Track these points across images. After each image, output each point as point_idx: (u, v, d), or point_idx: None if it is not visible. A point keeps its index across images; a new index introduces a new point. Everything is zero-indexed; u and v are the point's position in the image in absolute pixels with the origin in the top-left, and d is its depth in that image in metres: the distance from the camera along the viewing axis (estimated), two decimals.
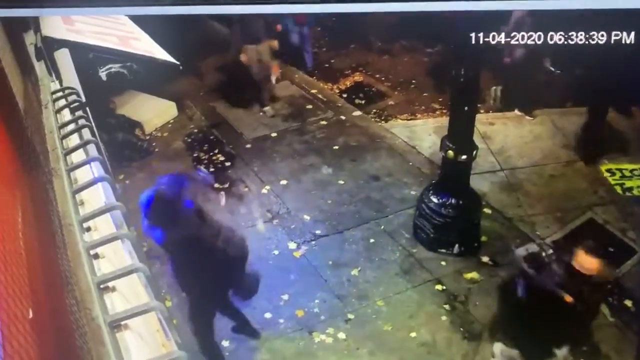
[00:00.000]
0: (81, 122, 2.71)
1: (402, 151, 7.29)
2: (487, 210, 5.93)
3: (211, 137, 7.90)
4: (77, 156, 2.55)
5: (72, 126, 2.76)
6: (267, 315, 4.97)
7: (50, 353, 1.42)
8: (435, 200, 5.47)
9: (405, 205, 6.21)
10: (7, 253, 1.42)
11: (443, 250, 5.55)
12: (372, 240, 5.75)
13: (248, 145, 7.58)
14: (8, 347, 1.17)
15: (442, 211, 5.42)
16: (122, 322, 1.70)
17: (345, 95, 8.91)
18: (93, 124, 2.61)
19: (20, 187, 1.88)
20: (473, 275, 5.34)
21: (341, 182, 6.68)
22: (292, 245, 5.73)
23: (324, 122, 8.12)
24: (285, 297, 5.12)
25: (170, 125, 8.36)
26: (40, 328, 1.41)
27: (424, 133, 7.60)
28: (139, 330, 1.80)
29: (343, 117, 8.25)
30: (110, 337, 1.56)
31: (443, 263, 5.47)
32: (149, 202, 3.72)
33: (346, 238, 5.81)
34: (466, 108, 4.96)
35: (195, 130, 8.13)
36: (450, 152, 5.18)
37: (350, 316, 4.94)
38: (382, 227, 5.93)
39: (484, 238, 5.68)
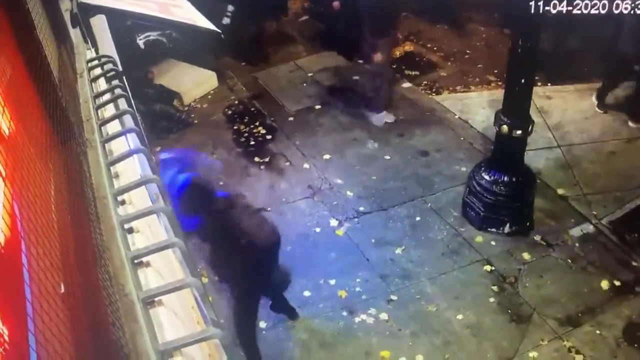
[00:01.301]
0: (117, 91, 2.71)
1: (454, 125, 7.14)
2: (541, 188, 5.76)
3: (252, 109, 7.93)
4: (113, 127, 2.55)
5: (107, 96, 2.77)
6: (306, 293, 5.01)
7: (82, 329, 1.44)
8: (487, 177, 5.34)
9: (454, 182, 6.13)
10: (40, 226, 1.43)
11: (493, 230, 5.45)
12: (418, 218, 5.70)
13: (290, 118, 7.58)
14: (39, 322, 1.19)
15: (494, 189, 5.29)
16: (156, 299, 1.69)
17: (394, 66, 8.74)
18: (129, 94, 2.60)
19: (54, 158, 1.91)
20: (524, 255, 5.22)
21: (387, 157, 6.64)
22: (334, 223, 5.73)
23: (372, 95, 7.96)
24: (326, 275, 5.16)
25: (210, 97, 8.43)
26: (71, 303, 1.43)
27: (477, 106, 7.41)
28: (174, 306, 1.81)
29: (406, 85, 8.08)
30: (144, 313, 1.54)
31: (493, 243, 5.38)
32: (183, 188, 3.79)
33: (391, 216, 5.78)
34: (523, 80, 4.77)
35: (236, 102, 8.17)
36: (505, 127, 5.01)
37: (393, 297, 4.93)
38: (429, 204, 5.87)
39: (536, 217, 5.54)
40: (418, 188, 6.11)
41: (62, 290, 1.40)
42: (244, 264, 4.08)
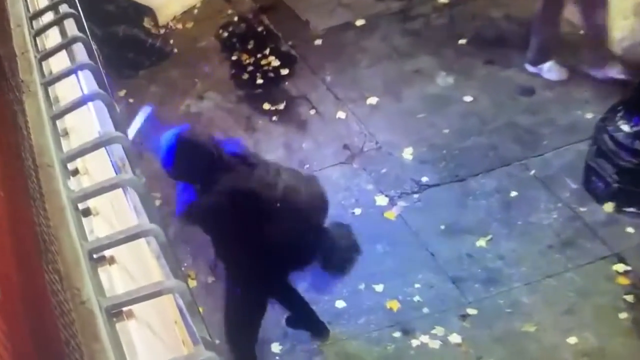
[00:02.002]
0: (63, 8, 2.80)
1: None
2: None
3: (259, 29, 7.99)
4: (59, 62, 2.65)
5: (49, 16, 2.85)
6: (340, 304, 5.13)
7: (24, 348, 1.54)
8: (626, 128, 5.28)
9: (573, 137, 6.13)
10: None
11: (631, 210, 5.46)
12: (513, 193, 5.76)
13: (318, 41, 7.65)
14: None
15: (637, 146, 5.24)
16: (125, 309, 1.76)
17: None
18: (81, 11, 2.70)
19: None
20: None
21: (468, 98, 6.67)
22: (382, 201, 5.83)
23: (444, 0, 7.92)
24: (369, 278, 5.25)
25: (196, 12, 8.49)
26: (9, 314, 1.52)
27: (615, 14, 7.21)
28: (149, 320, 1.90)
29: None
30: (108, 328, 1.62)
31: (630, 230, 5.40)
32: (171, 151, 3.86)
33: (471, 189, 5.86)
34: None
35: (235, 19, 8.24)
36: None
37: (471, 310, 5.01)
38: (533, 171, 5.91)
39: None
40: (515, 146, 6.14)
41: None
42: (254, 260, 4.19)
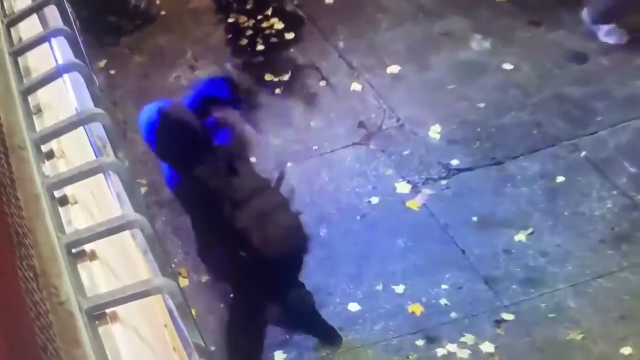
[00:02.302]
0: None
1: None
2: None
3: None
4: (29, 28, 2.71)
5: None
6: (354, 307, 5.18)
7: None
8: None
9: (632, 112, 6.17)
10: None
11: None
12: (560, 179, 5.80)
13: (329, 0, 7.67)
14: None
15: None
16: (109, 311, 1.82)
17: None
18: None
19: None
20: None
21: (508, 66, 6.70)
22: (404, 188, 5.87)
23: None
24: (388, 278, 5.30)
25: None
26: None
27: None
28: (136, 323, 1.96)
29: None
30: (90, 333, 1.67)
31: None
32: (153, 124, 3.93)
33: (510, 174, 5.89)
34: None
35: None
36: None
37: (507, 315, 5.04)
38: (584, 153, 5.95)
39: None
40: (564, 124, 6.17)
41: None
42: (253, 255, 4.25)
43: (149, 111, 3.98)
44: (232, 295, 4.75)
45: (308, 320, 5.03)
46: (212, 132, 4.20)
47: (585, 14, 6.76)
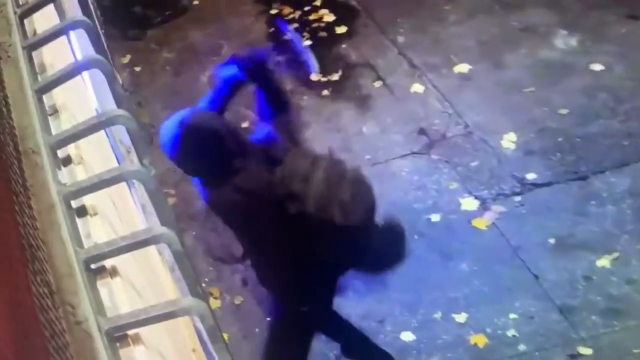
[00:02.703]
0: None
1: None
2: None
3: None
4: (45, 20, 2.78)
5: None
6: (407, 336, 5.20)
7: None
8: None
9: None
10: None
11: None
12: None
13: None
14: None
15: None
16: (131, 332, 1.87)
17: None
18: None
19: None
20: None
21: (597, 67, 6.70)
22: (469, 204, 5.90)
23: None
24: (448, 305, 5.33)
25: None
26: None
27: None
28: (161, 346, 2.02)
29: None
30: (110, 355, 1.71)
31: None
32: (177, 138, 3.94)
33: (595, 191, 5.88)
34: None
35: None
36: None
37: (584, 350, 5.02)
38: None
39: None
40: None
41: None
42: (298, 273, 4.28)
43: (169, 127, 3.97)
44: (273, 317, 4.76)
45: (356, 347, 5.08)
46: (241, 134, 4.20)
47: None
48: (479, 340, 5.13)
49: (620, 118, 6.30)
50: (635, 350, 4.99)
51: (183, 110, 4.02)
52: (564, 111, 6.40)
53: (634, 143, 6.11)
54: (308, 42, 7.33)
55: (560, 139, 6.22)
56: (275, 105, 4.32)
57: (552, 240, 5.60)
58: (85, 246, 1.97)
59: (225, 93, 4.35)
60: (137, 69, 7.33)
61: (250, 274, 5.46)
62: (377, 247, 4.45)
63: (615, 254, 5.47)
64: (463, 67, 6.85)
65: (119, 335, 1.82)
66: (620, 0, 7.13)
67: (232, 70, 4.29)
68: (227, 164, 3.99)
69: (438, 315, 5.27)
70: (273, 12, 7.70)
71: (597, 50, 6.78)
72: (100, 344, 1.73)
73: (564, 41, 6.93)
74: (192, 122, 3.94)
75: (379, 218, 4.39)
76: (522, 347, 5.09)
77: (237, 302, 5.49)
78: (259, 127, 4.36)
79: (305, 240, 4.13)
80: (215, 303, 5.41)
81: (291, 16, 7.59)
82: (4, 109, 2.29)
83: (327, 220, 4.06)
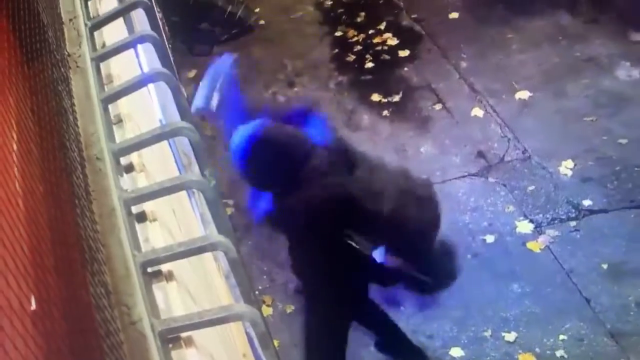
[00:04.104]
0: None
1: None
2: None
3: None
4: (114, 33, 2.82)
5: None
6: (456, 352, 5.18)
7: None
8: None
9: None
10: None
11: None
12: None
13: (453, 14, 7.75)
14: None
15: None
16: (184, 335, 1.88)
17: None
18: None
19: (16, 88, 2.05)
20: None
21: None
22: (524, 227, 5.86)
23: None
24: (499, 324, 5.30)
25: None
26: (47, 327, 1.59)
27: None
28: (213, 351, 2.03)
29: None
30: (162, 356, 1.74)
31: None
32: (249, 149, 3.92)
33: None
34: None
35: None
36: None
37: None
38: None
39: None
40: None
41: (33, 307, 1.60)
42: (349, 283, 4.28)
43: (239, 137, 3.95)
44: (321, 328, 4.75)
45: (393, 337, 5.10)
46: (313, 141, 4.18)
47: None
48: (528, 359, 5.10)
49: None
50: None
51: (253, 123, 3.98)
52: (624, 141, 6.34)
53: None
54: (370, 64, 7.37)
55: (618, 168, 6.17)
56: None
57: (605, 266, 5.54)
58: (143, 250, 2.00)
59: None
60: None
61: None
62: (431, 264, 4.41)
63: None
64: (524, 94, 6.83)
65: (171, 337, 1.84)
66: None
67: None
68: (297, 175, 3.97)
69: (488, 333, 5.26)
70: (338, 34, 7.75)
71: None
72: (153, 345, 1.75)
73: (627, 72, 6.87)
74: (263, 135, 3.91)
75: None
76: None
77: (288, 310, 5.53)
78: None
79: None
80: (267, 310, 5.46)
81: (355, 39, 7.63)
82: (71, 117, 2.31)
83: (403, 223, 4.06)
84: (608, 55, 7.05)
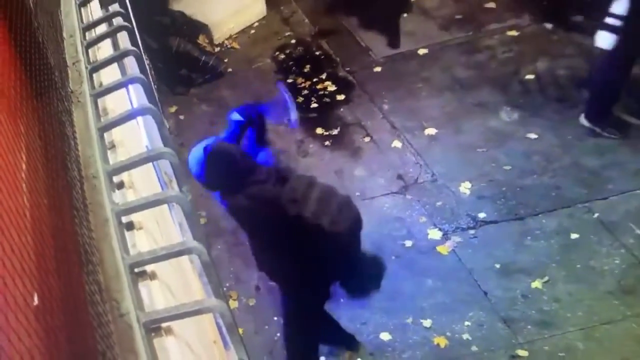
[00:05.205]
0: (117, 21, 2.88)
1: None
2: None
3: (317, 53, 8.11)
4: (109, 74, 2.73)
5: (103, 27, 2.93)
6: (385, 336, 5.14)
7: (60, 356, 1.53)
8: None
9: None
10: (6, 212, 1.54)
11: None
12: (574, 236, 5.71)
13: (377, 69, 7.76)
14: (4, 343, 1.27)
15: None
16: (164, 325, 1.82)
17: None
18: (134, 25, 2.77)
19: (26, 118, 2.04)
20: None
21: (533, 135, 6.68)
22: (435, 235, 5.85)
23: (513, 33, 8.00)
24: (417, 313, 5.28)
25: (253, 32, 8.66)
26: (48, 320, 1.53)
27: None
28: (188, 338, 1.94)
29: (548, 26, 8.05)
30: (146, 343, 1.67)
31: None
32: (202, 160, 3.89)
33: (529, 229, 5.83)
34: None
35: (293, 42, 8.37)
36: None
37: (522, 352, 4.97)
38: (596, 214, 5.86)
39: None
40: (580, 188, 6.10)
41: (36, 302, 1.52)
42: (298, 267, 4.20)
43: (195, 152, 3.94)
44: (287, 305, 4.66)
45: (343, 343, 5.02)
46: (252, 155, 4.19)
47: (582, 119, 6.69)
48: (441, 341, 5.09)
49: (549, 174, 6.28)
50: (560, 354, 4.96)
51: (205, 140, 3.97)
52: (508, 167, 6.39)
53: (560, 194, 6.09)
54: (315, 105, 7.38)
55: (504, 188, 6.20)
56: (261, 143, 4.39)
57: (497, 265, 5.58)
58: (131, 254, 1.95)
59: (235, 131, 4.34)
60: (181, 117, 7.42)
61: (262, 282, 5.51)
62: (363, 265, 4.41)
63: (546, 278, 5.45)
64: (431, 131, 6.85)
65: (154, 327, 1.79)
66: (549, 85, 7.20)
67: (239, 116, 4.38)
68: (241, 179, 3.94)
69: (409, 320, 5.24)
70: (289, 81, 7.74)
71: (532, 123, 6.80)
72: (138, 334, 1.70)
73: (508, 115, 6.94)
74: (214, 148, 3.89)
75: (365, 242, 4.34)
76: (474, 348, 5.04)
77: (251, 303, 5.47)
78: (260, 155, 4.31)
79: (303, 241, 4.07)
80: (233, 304, 5.41)
81: (302, 85, 7.64)
82: (72, 142, 2.26)
83: (319, 226, 4.02)
84: (494, 101, 7.12)
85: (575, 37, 7.86)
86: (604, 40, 6.02)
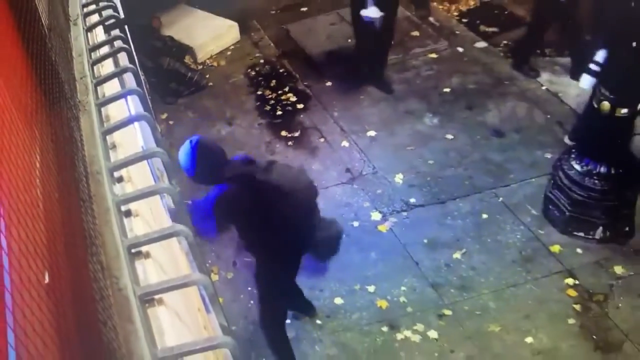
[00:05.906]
0: (118, 44, 2.82)
1: (539, 99, 7.10)
2: None
3: (281, 70, 8.05)
4: (111, 87, 2.66)
5: (106, 49, 2.87)
6: (338, 300, 5.10)
7: (68, 326, 1.51)
8: (578, 167, 5.26)
9: (535, 172, 6.12)
10: (22, 203, 1.51)
11: (581, 234, 5.41)
12: (484, 216, 5.73)
13: (328, 83, 7.69)
14: (19, 316, 1.24)
15: (587, 182, 5.20)
16: (156, 297, 1.77)
17: (466, 20, 8.70)
18: (132, 47, 2.69)
19: (40, 123, 2.00)
20: (618, 269, 5.17)
21: (449, 136, 6.68)
22: (376, 216, 5.81)
23: (433, 56, 8.03)
24: (363, 280, 5.24)
25: (229, 53, 8.56)
26: (57, 296, 1.48)
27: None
28: (177, 307, 1.89)
29: (460, 50, 8.10)
30: (141, 313, 1.63)
31: (579, 251, 5.35)
32: (191, 154, 3.71)
33: (450, 210, 5.82)
34: (635, 44, 4.65)
35: (262, 61, 8.29)
36: (606, 104, 4.89)
37: (447, 311, 4.97)
38: (501, 199, 5.88)
39: (638, 221, 5.46)
40: (487, 178, 6.12)
41: (47, 280, 1.47)
42: (267, 253, 4.11)
43: (183, 149, 3.73)
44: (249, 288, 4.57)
45: (304, 307, 4.96)
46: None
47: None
48: (382, 304, 5.07)
49: (463, 167, 6.29)
50: (477, 312, 4.98)
51: (190, 138, 3.79)
52: (431, 162, 6.38)
53: (472, 182, 6.10)
54: (280, 112, 7.32)
55: (428, 178, 6.20)
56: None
57: (425, 240, 5.56)
58: (129, 237, 1.89)
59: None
60: (171, 122, 7.32)
61: (239, 259, 5.44)
62: (322, 241, 4.28)
63: (464, 250, 5.45)
64: (372, 133, 6.82)
65: (148, 299, 1.75)
66: (462, 97, 7.22)
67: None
68: (223, 169, 3.79)
69: (357, 286, 5.22)
70: (259, 93, 7.68)
71: (449, 126, 6.82)
72: (134, 305, 1.66)
73: (430, 120, 6.95)
74: (200, 141, 3.73)
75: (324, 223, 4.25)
76: (409, 309, 5.02)
77: (229, 277, 5.39)
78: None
79: (275, 210, 3.89)
80: (214, 277, 5.33)
81: (269, 96, 7.57)
82: (80, 144, 2.20)
83: (281, 188, 3.87)
84: (419, 109, 7.13)
85: (481, 57, 7.92)
86: (586, 82, 5.86)
